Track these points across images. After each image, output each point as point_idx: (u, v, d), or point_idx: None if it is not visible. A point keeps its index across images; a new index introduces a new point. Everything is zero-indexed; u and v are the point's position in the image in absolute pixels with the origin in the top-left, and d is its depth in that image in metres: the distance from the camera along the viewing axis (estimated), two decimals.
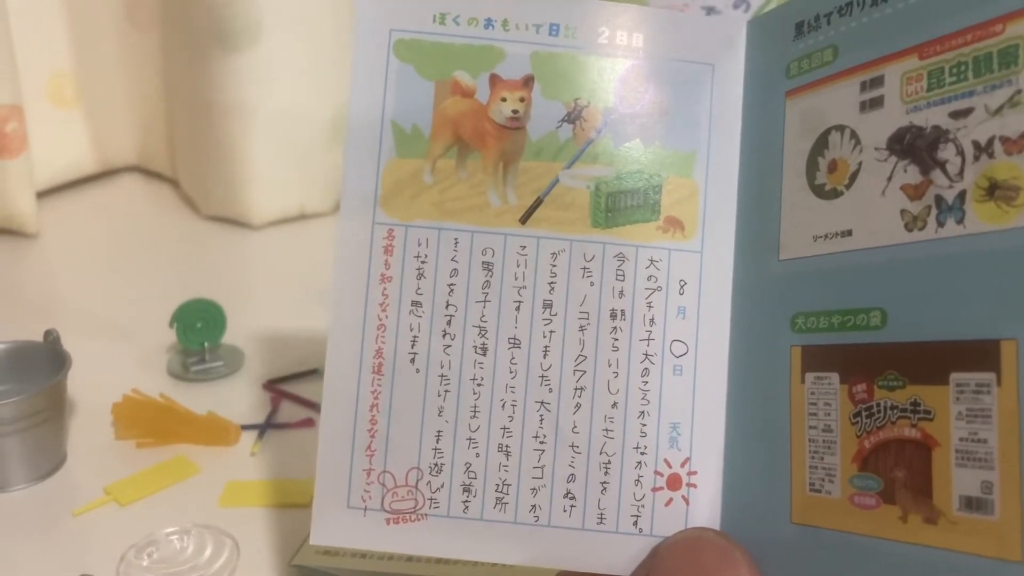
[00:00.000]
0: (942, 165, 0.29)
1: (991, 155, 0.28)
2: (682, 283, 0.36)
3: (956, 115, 0.29)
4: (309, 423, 0.61)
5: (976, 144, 0.28)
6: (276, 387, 0.65)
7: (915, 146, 0.30)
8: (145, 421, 0.59)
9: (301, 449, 0.58)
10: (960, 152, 0.29)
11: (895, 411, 0.30)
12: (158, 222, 1.00)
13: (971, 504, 0.27)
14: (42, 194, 0.97)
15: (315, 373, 0.67)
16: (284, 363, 0.69)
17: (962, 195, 0.28)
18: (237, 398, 0.64)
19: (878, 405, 0.30)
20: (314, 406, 0.63)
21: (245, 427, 0.60)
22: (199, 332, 0.67)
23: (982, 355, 0.27)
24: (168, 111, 1.03)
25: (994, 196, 0.27)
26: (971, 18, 0.29)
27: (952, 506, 0.27)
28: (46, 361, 0.58)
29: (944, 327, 0.28)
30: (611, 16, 0.37)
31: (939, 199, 0.29)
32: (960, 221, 0.28)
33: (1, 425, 0.52)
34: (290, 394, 0.64)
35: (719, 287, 0.37)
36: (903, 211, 0.30)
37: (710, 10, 0.84)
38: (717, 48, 0.37)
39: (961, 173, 0.28)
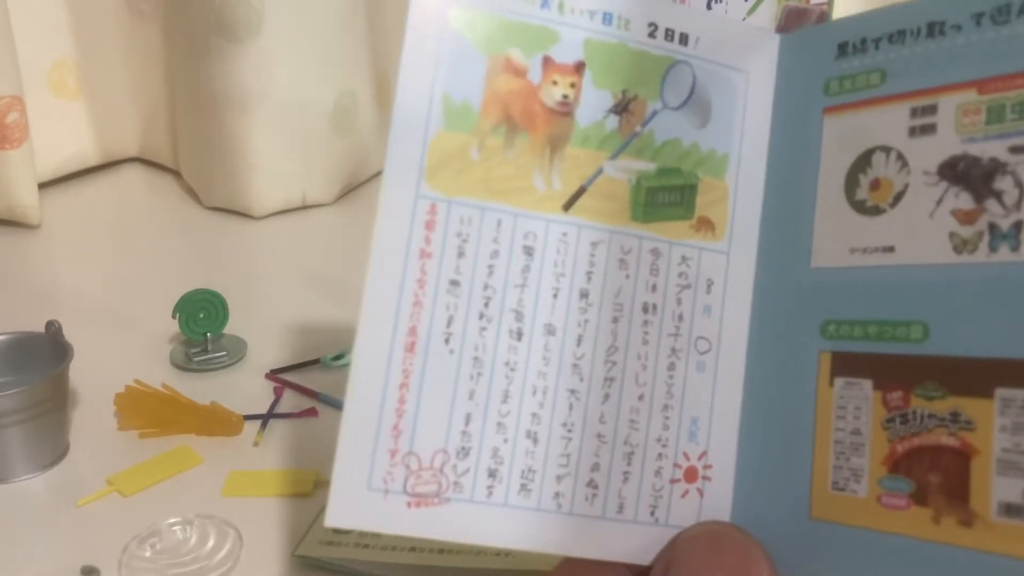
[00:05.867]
0: (998, 195, 0.30)
1: None
2: (709, 282, 0.37)
3: (1016, 150, 0.30)
4: (312, 412, 0.61)
5: None
6: (279, 377, 0.65)
7: (970, 175, 0.31)
8: (148, 411, 0.59)
9: (304, 439, 0.58)
10: (1019, 185, 0.30)
11: (932, 419, 0.30)
12: (160, 213, 0.99)
13: (1011, 510, 0.28)
14: (44, 185, 0.97)
15: (317, 363, 0.67)
16: (286, 353, 0.68)
17: (1018, 225, 0.30)
18: (240, 388, 0.64)
19: (914, 412, 0.31)
20: (317, 396, 0.62)
21: (248, 417, 0.59)
22: (202, 322, 0.67)
23: None
24: (170, 102, 1.03)
25: None
26: None
27: (991, 511, 0.28)
28: (48, 352, 0.57)
29: (991, 345, 0.29)
30: (662, 12, 0.37)
31: (992, 227, 0.30)
32: (1015, 249, 0.30)
33: (3, 416, 0.52)
34: (293, 384, 0.64)
35: (742, 288, 0.37)
36: (952, 234, 0.31)
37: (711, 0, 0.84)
38: (753, 57, 0.38)
39: (1019, 205, 0.30)
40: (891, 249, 0.33)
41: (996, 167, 0.30)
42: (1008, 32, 0.31)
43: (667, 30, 0.37)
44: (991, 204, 0.30)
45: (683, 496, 0.36)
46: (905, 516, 0.30)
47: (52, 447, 0.56)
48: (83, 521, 0.51)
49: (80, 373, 0.59)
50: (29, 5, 0.93)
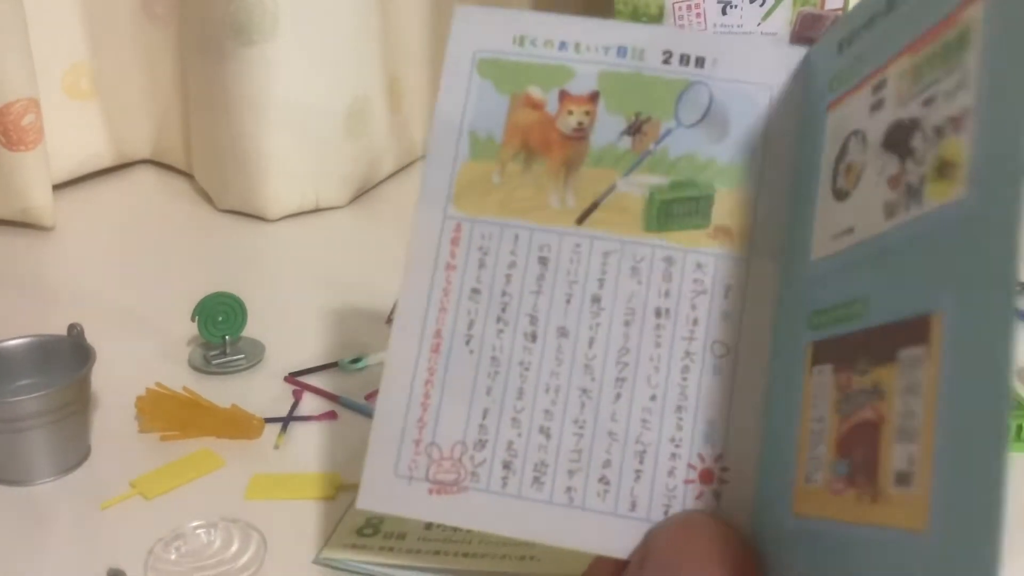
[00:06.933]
0: (912, 153, 0.30)
1: (943, 136, 0.28)
2: (727, 288, 0.38)
3: (926, 103, 0.29)
4: (332, 416, 0.61)
5: (936, 128, 0.29)
6: (298, 380, 0.65)
7: (898, 139, 0.31)
8: (169, 414, 0.59)
9: (325, 442, 0.58)
10: (925, 138, 0.29)
11: (864, 395, 0.30)
12: (174, 215, 1.00)
13: (901, 479, 0.27)
14: (57, 187, 0.97)
15: (335, 366, 0.67)
16: (303, 356, 0.69)
17: (923, 178, 0.29)
18: (259, 391, 0.64)
19: (854, 390, 0.30)
20: (336, 399, 0.63)
21: (268, 420, 0.60)
22: (220, 325, 0.67)
23: (919, 329, 0.27)
24: (183, 104, 1.03)
25: (942, 175, 0.28)
26: (944, 11, 0.29)
27: (890, 482, 0.27)
28: (70, 355, 0.58)
29: (901, 307, 0.28)
30: (677, 41, 0.40)
31: (909, 186, 0.30)
32: (919, 203, 0.29)
33: (27, 419, 0.53)
34: (312, 387, 0.64)
35: (764, 294, 0.38)
36: (885, 202, 0.31)
37: (726, 4, 0.84)
38: (777, 72, 0.39)
39: (924, 157, 0.29)
40: (851, 230, 0.33)
41: (914, 125, 0.30)
42: None
43: (682, 55, 0.40)
44: (909, 163, 0.30)
45: (697, 498, 0.36)
46: (842, 500, 0.29)
47: (74, 450, 0.56)
48: (107, 524, 0.51)
49: (100, 375, 0.59)
50: (45, 8, 0.94)
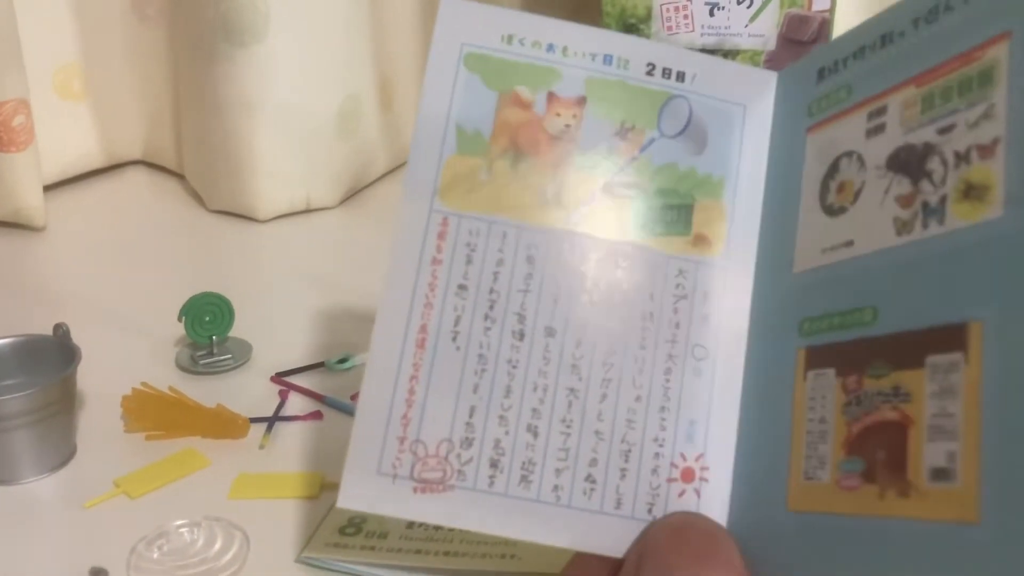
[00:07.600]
0: (929, 175, 0.32)
1: (968, 162, 0.31)
2: (706, 293, 0.39)
3: (942, 131, 0.32)
4: (317, 416, 0.61)
5: (957, 154, 0.31)
6: (284, 380, 0.65)
7: (908, 161, 0.34)
8: (154, 414, 0.59)
9: (310, 442, 0.59)
10: (944, 162, 0.32)
11: (880, 397, 0.32)
12: (165, 216, 1.00)
13: (938, 474, 0.29)
14: (48, 187, 0.98)
15: (322, 366, 0.67)
16: (291, 356, 0.69)
17: (943, 199, 0.32)
18: (245, 391, 0.65)
19: (865, 393, 0.32)
20: (322, 399, 0.63)
21: (254, 420, 0.60)
22: (207, 325, 0.67)
23: (954, 337, 0.29)
24: (175, 105, 1.03)
25: (969, 196, 0.31)
26: (957, 48, 0.33)
27: (923, 478, 0.29)
28: (56, 354, 0.58)
29: (924, 316, 0.31)
30: (660, 54, 0.41)
31: (925, 204, 0.32)
32: (941, 221, 0.31)
33: (12, 418, 0.53)
34: (298, 387, 0.64)
35: (739, 299, 0.39)
36: (895, 218, 0.33)
37: (714, 6, 0.84)
38: (750, 92, 0.41)
39: (944, 180, 0.32)
40: (851, 243, 0.35)
41: (928, 150, 0.33)
42: (937, 28, 0.34)
43: (664, 69, 0.40)
44: (924, 184, 0.32)
45: (680, 496, 0.37)
46: (857, 496, 0.31)
47: (60, 449, 0.56)
48: (91, 523, 0.51)
49: (86, 375, 0.59)
50: (35, 8, 0.94)
